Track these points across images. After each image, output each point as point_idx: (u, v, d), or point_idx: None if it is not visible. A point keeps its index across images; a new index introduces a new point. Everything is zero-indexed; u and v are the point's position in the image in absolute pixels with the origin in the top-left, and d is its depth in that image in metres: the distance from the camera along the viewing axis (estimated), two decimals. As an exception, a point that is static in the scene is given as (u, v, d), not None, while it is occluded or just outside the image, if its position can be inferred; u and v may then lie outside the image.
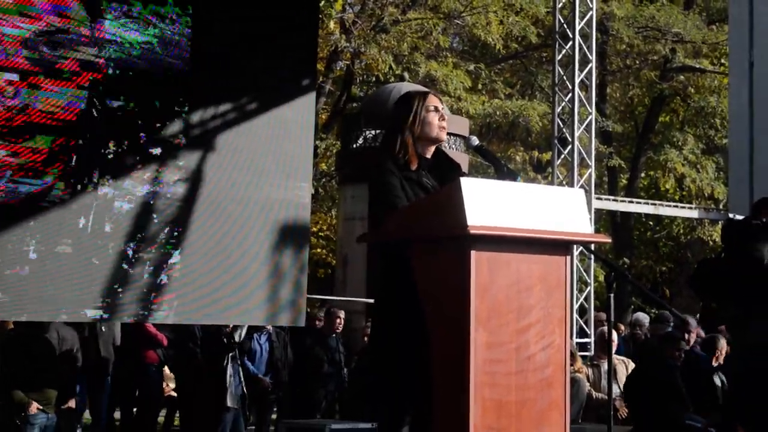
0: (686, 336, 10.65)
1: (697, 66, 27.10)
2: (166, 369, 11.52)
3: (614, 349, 10.92)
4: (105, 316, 7.71)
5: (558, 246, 4.34)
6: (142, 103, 7.94)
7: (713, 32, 26.57)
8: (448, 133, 4.81)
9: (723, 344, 10.54)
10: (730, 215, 15.85)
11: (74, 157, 7.56)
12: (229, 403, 9.77)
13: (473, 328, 3.98)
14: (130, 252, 7.70)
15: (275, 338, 11.01)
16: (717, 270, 9.15)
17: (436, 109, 4.68)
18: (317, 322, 11.81)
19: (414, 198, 4.45)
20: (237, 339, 9.91)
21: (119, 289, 7.64)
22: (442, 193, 4.29)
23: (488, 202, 4.07)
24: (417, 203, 4.39)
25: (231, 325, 9.73)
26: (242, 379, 10.14)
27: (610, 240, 4.60)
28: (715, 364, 10.62)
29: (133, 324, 9.67)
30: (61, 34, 7.53)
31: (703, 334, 11.83)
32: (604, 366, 11.02)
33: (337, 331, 11.71)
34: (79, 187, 7.54)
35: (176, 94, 8.12)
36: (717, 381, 10.49)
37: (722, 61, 26.84)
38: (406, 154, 4.56)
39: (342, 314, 11.89)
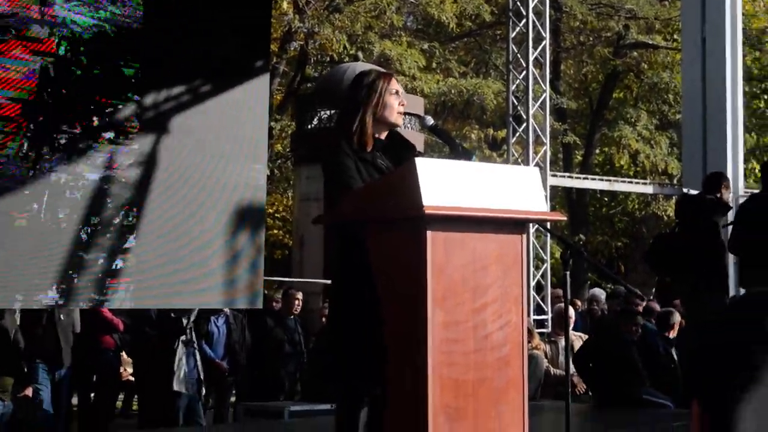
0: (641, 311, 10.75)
1: (650, 42, 27.23)
2: (124, 354, 11.46)
3: (571, 325, 11.01)
4: (60, 302, 7.65)
5: (513, 224, 4.35)
6: (95, 87, 7.85)
7: (666, 8, 26.70)
8: (404, 113, 4.79)
9: (677, 318, 10.64)
10: (684, 190, 16.00)
11: (24, 143, 7.47)
12: (175, 387, 9.68)
13: (430, 308, 3.98)
14: (84, 237, 7.63)
15: (233, 321, 10.98)
16: (672, 245, 9.23)
17: (397, 93, 4.66)
18: (275, 304, 11.79)
19: (369, 179, 4.44)
20: (185, 322, 9.83)
21: (74, 275, 7.57)
22: (397, 174, 4.28)
23: (443, 182, 4.07)
24: (372, 184, 4.38)
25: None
26: (198, 362, 10.09)
27: (565, 217, 4.64)
28: (670, 338, 10.73)
29: (89, 309, 9.59)
30: (10, 17, 7.43)
31: (658, 308, 11.94)
32: (562, 342, 11.09)
33: (296, 312, 11.71)
34: (31, 173, 7.45)
35: (129, 77, 8.05)
36: (673, 355, 10.60)
37: (675, 36, 26.98)
38: (362, 135, 4.54)
39: (300, 295, 11.89)
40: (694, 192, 9.57)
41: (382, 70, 5.00)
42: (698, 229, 9.07)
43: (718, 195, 9.29)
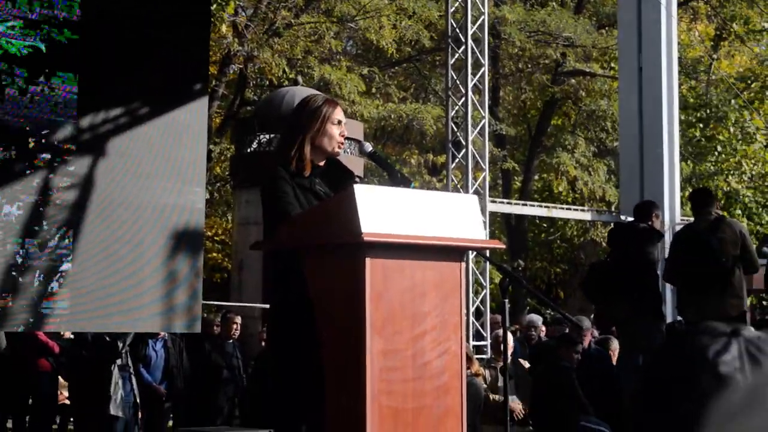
0: (581, 338, 10.80)
1: (588, 70, 27.49)
2: (60, 377, 11.34)
3: (506, 350, 11.02)
4: (-6, 325, 7.55)
5: (452, 252, 4.36)
6: (31, 109, 7.76)
7: (603, 36, 26.97)
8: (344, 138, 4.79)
9: (616, 345, 10.71)
10: (622, 217, 16.12)
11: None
12: (112, 412, 9.60)
13: (369, 336, 3.97)
14: (19, 260, 7.53)
15: (171, 345, 10.90)
16: (606, 273, 9.30)
17: (340, 123, 4.65)
18: (215, 328, 11.72)
19: (307, 205, 4.43)
20: (121, 346, 9.74)
21: (9, 298, 7.47)
22: (335, 201, 4.28)
23: (382, 209, 4.06)
24: (310, 211, 4.37)
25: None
26: (134, 386, 10.00)
27: (503, 246, 4.66)
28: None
29: (24, 332, 9.48)
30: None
31: (596, 334, 12.02)
32: (500, 367, 11.11)
33: (234, 336, 11.65)
34: (-35, 194, 7.35)
35: (65, 100, 7.97)
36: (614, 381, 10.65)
37: (612, 65, 27.26)
38: (300, 160, 4.52)
39: (238, 319, 11.83)
40: (626, 220, 9.66)
41: (328, 97, 4.99)
42: (631, 257, 9.16)
43: (650, 223, 9.39)
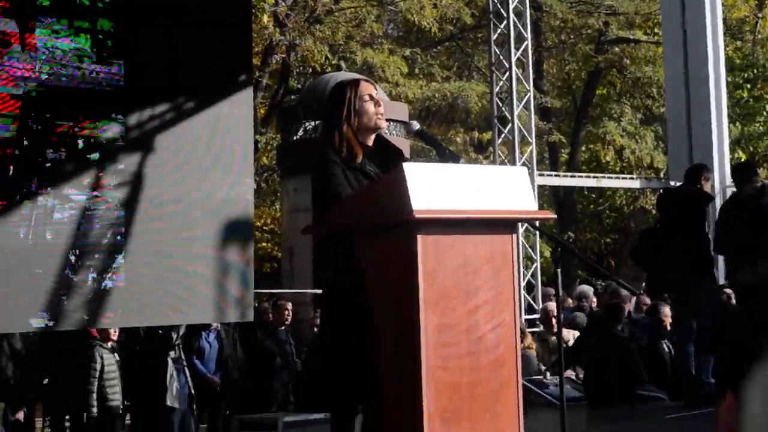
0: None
1: (631, 37, 27.30)
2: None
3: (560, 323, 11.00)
4: (50, 324, 7.63)
5: (503, 225, 4.36)
6: (79, 109, 7.85)
7: (645, 3, 26.73)
8: (388, 119, 4.79)
9: (667, 311, 10.66)
10: (671, 183, 16.02)
11: (11, 168, 7.46)
12: (169, 403, 9.71)
13: (423, 312, 3.98)
14: (73, 259, 7.62)
15: (224, 336, 10.97)
16: (656, 239, 9.26)
17: (371, 97, 4.64)
18: (268, 316, 11.80)
19: (357, 186, 4.44)
20: (175, 338, 9.84)
21: (64, 297, 7.56)
22: (385, 180, 4.29)
23: (432, 186, 4.07)
24: (361, 191, 4.39)
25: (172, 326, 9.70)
26: (188, 378, 10.11)
27: (554, 216, 4.65)
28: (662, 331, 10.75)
29: (79, 330, 9.58)
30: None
31: (648, 301, 11.97)
32: (551, 340, 11.11)
33: (286, 323, 11.72)
34: (18, 197, 7.44)
35: (112, 98, 8.04)
36: (664, 348, 10.61)
37: (656, 30, 27.04)
38: (349, 146, 4.52)
39: (290, 306, 11.90)
40: (674, 185, 9.60)
41: (356, 76, 5.00)
42: (681, 221, 9.11)
43: (699, 186, 9.33)
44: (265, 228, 25.37)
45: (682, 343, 9.23)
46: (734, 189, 10.15)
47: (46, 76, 7.67)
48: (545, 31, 27.51)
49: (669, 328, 10.59)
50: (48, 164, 7.63)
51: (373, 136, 4.67)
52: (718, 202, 13.25)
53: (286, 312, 11.70)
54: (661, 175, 25.12)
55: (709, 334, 8.62)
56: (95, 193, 7.81)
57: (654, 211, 26.10)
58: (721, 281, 11.74)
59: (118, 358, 10.27)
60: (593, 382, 9.76)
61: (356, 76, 8.30)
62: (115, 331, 10.09)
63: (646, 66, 27.21)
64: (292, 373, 11.53)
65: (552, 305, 11.30)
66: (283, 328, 11.66)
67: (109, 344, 10.08)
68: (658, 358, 10.39)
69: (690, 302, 8.97)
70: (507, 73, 15.89)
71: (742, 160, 13.41)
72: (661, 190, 10.85)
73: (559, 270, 5.21)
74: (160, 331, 9.65)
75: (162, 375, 9.70)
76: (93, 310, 7.72)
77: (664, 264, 9.13)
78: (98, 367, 9.91)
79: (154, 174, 8.14)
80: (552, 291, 13.67)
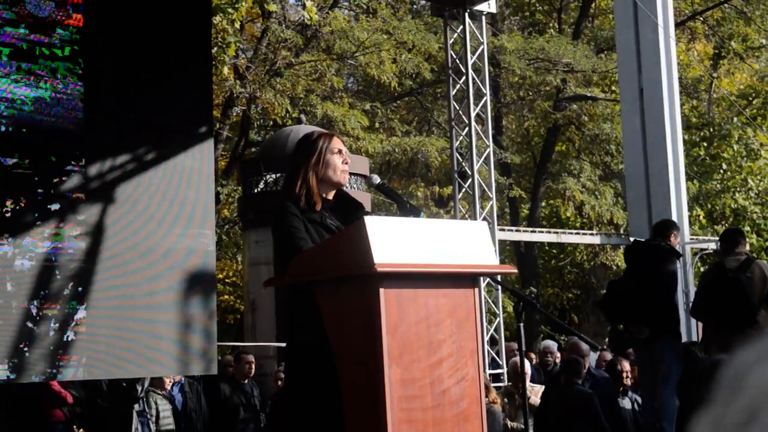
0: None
1: (589, 94, 27.57)
2: (75, 427, 11.33)
3: (528, 378, 11.01)
4: (12, 376, 7.56)
5: (465, 279, 4.37)
6: (38, 158, 7.82)
7: (602, 61, 27.05)
8: (350, 173, 4.81)
9: (627, 366, 10.70)
10: (631, 239, 16.11)
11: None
12: None
13: (387, 366, 3.98)
14: (34, 310, 7.56)
15: (188, 388, 10.90)
16: (624, 292, 9.30)
17: (340, 152, 4.68)
18: (230, 369, 11.74)
19: (318, 239, 4.44)
20: (140, 390, 9.77)
21: (25, 349, 7.50)
22: (347, 233, 4.29)
23: (393, 239, 4.08)
24: (322, 244, 4.39)
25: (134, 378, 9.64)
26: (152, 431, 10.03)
27: (515, 270, 4.66)
28: (622, 387, 10.78)
29: (37, 383, 9.49)
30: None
31: (609, 357, 12.00)
32: (518, 395, 11.08)
33: (249, 375, 11.66)
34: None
35: (72, 148, 8.02)
36: (626, 404, 10.64)
37: (613, 88, 27.33)
38: (309, 195, 4.54)
39: (252, 358, 11.84)
40: (642, 239, 9.65)
41: (324, 131, 5.04)
42: (650, 276, 9.16)
43: (668, 242, 9.40)
44: (227, 280, 25.30)
45: (647, 398, 9.26)
46: (699, 247, 10.25)
47: (5, 126, 7.64)
48: (504, 87, 27.74)
49: (629, 383, 10.63)
50: (7, 214, 7.58)
51: (334, 191, 4.70)
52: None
53: (249, 365, 11.66)
54: (621, 231, 25.28)
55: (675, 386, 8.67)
56: (56, 244, 7.77)
57: (614, 267, 26.28)
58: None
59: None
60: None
61: (319, 129, 8.33)
62: (170, 380, 10.17)
63: (604, 123, 27.49)
64: (257, 427, 11.47)
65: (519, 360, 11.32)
66: (247, 381, 11.61)
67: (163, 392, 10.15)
68: (617, 413, 10.41)
69: (653, 358, 9.02)
70: (466, 129, 15.98)
71: (732, 227, 13.57)
72: (632, 240, 10.89)
73: (521, 324, 5.23)
74: (124, 384, 9.58)
75: (126, 429, 9.62)
76: (55, 363, 7.66)
77: (631, 318, 9.18)
78: (154, 413, 9.98)
79: (114, 225, 8.12)
80: (515, 345, 13.68)
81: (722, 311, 8.91)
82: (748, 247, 9.39)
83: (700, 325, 11.02)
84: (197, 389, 11.04)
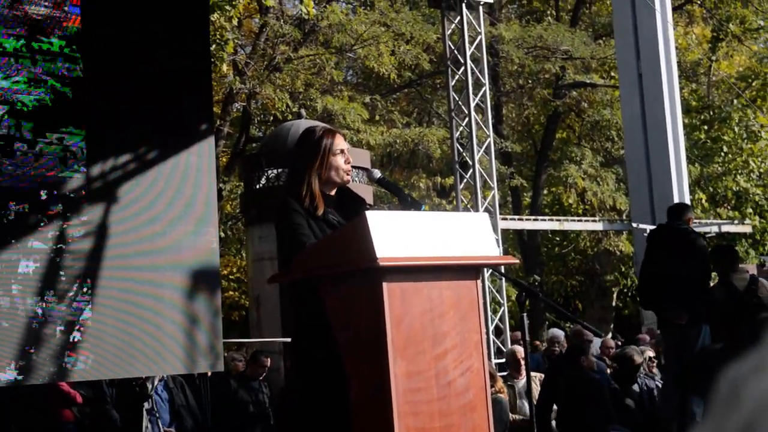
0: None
1: (588, 81, 27.57)
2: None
3: (528, 366, 10.99)
4: (19, 378, 7.58)
5: (467, 270, 4.39)
6: (39, 161, 7.84)
7: (600, 47, 27.06)
8: (351, 166, 4.82)
9: (638, 359, 10.69)
10: (634, 225, 16.09)
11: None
12: None
13: (391, 359, 4.00)
14: (39, 311, 7.58)
15: (172, 384, 10.81)
16: (661, 279, 9.24)
17: (343, 152, 4.68)
18: (239, 365, 11.76)
19: (321, 235, 4.46)
20: (150, 389, 9.79)
21: (32, 350, 7.52)
22: (349, 228, 4.31)
23: (395, 233, 4.10)
24: (325, 240, 4.41)
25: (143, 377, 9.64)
26: (161, 429, 10.04)
27: (517, 261, 4.65)
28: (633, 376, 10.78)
29: (46, 384, 9.52)
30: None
31: (612, 344, 11.99)
32: (519, 384, 11.08)
33: (261, 376, 11.66)
34: (-19, 251, 7.42)
35: (74, 149, 8.04)
36: (635, 389, 10.64)
37: (612, 74, 27.33)
38: (312, 197, 4.55)
39: (268, 362, 11.83)
40: (663, 224, 9.63)
41: (327, 126, 5.03)
42: (685, 261, 9.11)
43: (688, 225, 9.43)
44: (231, 277, 25.34)
45: (668, 387, 9.29)
46: (701, 230, 10.22)
47: (5, 129, 7.66)
48: (503, 76, 27.73)
49: (655, 371, 10.63)
50: (11, 217, 7.60)
51: (335, 188, 4.71)
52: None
53: (263, 368, 11.67)
54: (624, 216, 25.30)
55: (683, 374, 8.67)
56: (60, 245, 7.79)
57: (618, 253, 26.28)
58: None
59: None
60: (567, 420, 9.77)
61: (319, 124, 8.34)
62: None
63: (604, 109, 27.50)
64: (265, 423, 11.47)
65: (518, 348, 11.30)
66: (256, 380, 11.62)
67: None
68: (621, 400, 10.43)
69: (684, 344, 9.02)
70: (466, 119, 15.99)
71: (724, 245, 13.60)
72: (657, 226, 10.82)
73: (524, 314, 5.25)
74: (134, 383, 9.60)
75: (135, 428, 9.64)
76: (62, 364, 7.68)
77: (669, 305, 9.15)
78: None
79: (118, 224, 8.13)
80: (519, 335, 13.67)
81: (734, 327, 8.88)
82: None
83: None
84: (180, 383, 10.97)
